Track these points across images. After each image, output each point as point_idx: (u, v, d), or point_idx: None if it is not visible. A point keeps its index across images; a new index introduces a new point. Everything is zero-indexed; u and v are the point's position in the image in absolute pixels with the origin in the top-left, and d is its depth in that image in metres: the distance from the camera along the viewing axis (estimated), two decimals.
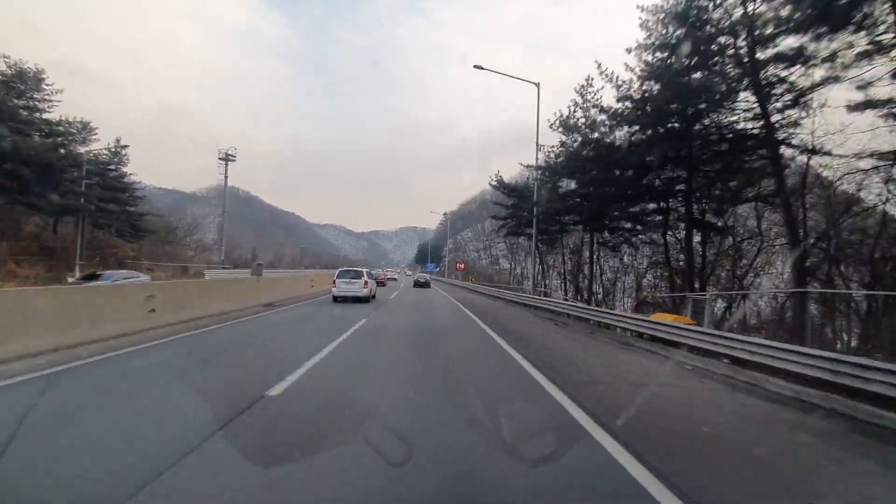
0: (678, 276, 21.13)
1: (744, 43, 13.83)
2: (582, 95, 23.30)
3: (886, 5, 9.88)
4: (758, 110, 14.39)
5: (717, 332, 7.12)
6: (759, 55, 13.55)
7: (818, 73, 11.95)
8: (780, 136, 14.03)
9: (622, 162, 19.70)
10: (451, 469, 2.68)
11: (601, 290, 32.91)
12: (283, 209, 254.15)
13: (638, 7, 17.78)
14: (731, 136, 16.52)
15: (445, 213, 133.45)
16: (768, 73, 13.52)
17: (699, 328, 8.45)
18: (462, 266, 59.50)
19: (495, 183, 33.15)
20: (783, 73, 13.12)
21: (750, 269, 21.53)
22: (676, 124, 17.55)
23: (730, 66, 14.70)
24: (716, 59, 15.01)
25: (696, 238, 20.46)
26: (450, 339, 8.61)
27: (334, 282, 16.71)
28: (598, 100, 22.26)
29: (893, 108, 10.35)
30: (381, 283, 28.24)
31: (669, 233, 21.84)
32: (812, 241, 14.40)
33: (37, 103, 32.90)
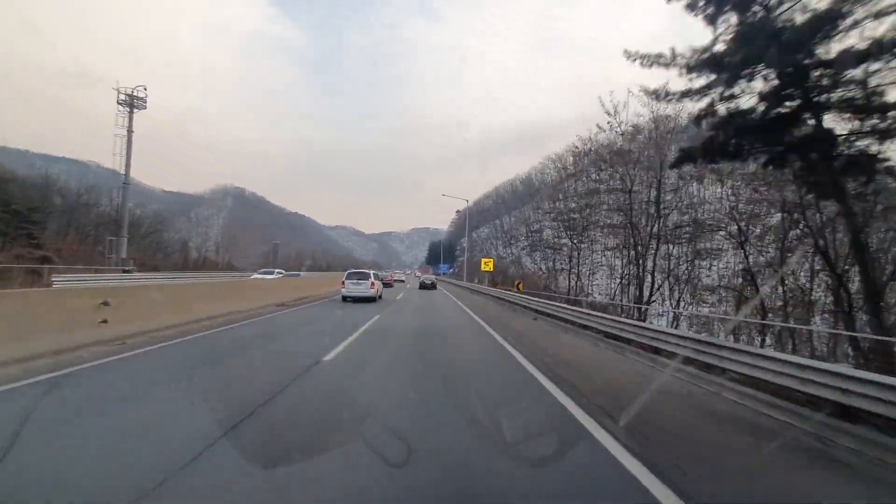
0: None
1: None
2: None
3: None
4: None
5: None
6: None
7: None
8: None
9: None
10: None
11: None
12: (293, 211, 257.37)
13: None
14: None
15: (458, 211, 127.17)
16: None
17: None
18: (490, 265, 38.26)
19: None
20: None
21: None
22: None
23: None
24: None
25: None
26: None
27: (343, 283, 18.29)
28: None
29: None
30: (387, 285, 30.06)
31: None
32: None
33: None
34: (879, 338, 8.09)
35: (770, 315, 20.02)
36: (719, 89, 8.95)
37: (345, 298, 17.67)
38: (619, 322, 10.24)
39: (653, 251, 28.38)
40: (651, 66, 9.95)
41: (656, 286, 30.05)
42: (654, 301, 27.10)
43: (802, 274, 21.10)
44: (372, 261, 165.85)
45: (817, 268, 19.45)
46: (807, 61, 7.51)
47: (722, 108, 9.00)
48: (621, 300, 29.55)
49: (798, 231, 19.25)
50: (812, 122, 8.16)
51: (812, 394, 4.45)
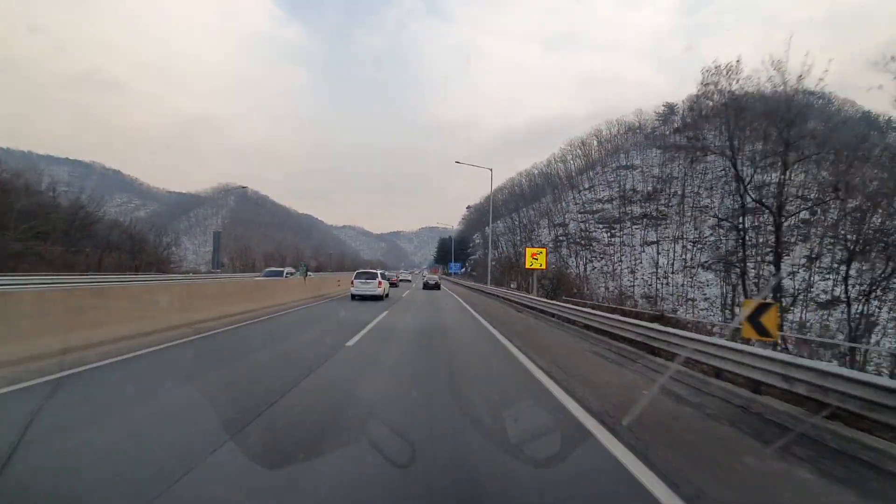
0: None
1: None
2: None
3: None
4: None
5: None
6: None
7: None
8: None
9: None
10: None
11: None
12: (301, 212, 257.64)
13: None
14: None
15: (468, 206, 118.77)
16: None
17: None
18: (542, 260, 23.77)
19: None
20: None
21: None
22: None
23: None
24: None
25: None
26: None
27: (353, 282, 19.78)
28: None
29: None
30: (393, 284, 32.22)
31: None
32: None
33: None
34: None
35: None
36: None
37: (353, 297, 19.20)
38: None
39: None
40: None
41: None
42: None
43: None
44: (375, 260, 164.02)
45: None
46: None
47: None
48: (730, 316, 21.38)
49: None
50: None
51: None
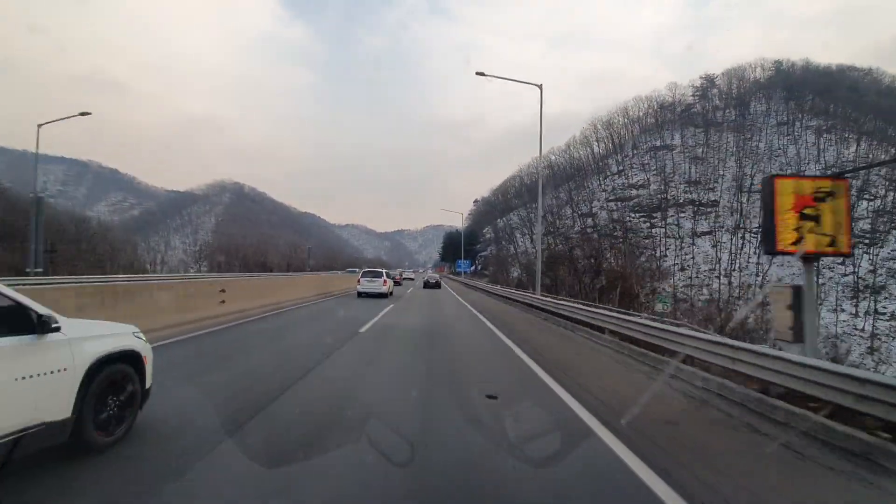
0: None
1: None
2: None
3: None
4: None
5: None
6: None
7: None
8: None
9: None
10: None
11: None
12: (302, 210, 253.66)
13: None
14: None
15: (475, 200, 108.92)
16: None
17: None
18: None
19: None
20: None
21: None
22: None
23: None
24: None
25: None
26: None
27: (359, 280, 20.88)
28: None
29: None
30: (397, 283, 33.27)
31: None
32: None
33: None
34: None
35: None
36: None
37: (360, 294, 20.07)
38: None
39: None
40: None
41: None
42: None
43: None
44: (376, 258, 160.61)
45: None
46: None
47: None
48: None
49: None
50: None
51: None
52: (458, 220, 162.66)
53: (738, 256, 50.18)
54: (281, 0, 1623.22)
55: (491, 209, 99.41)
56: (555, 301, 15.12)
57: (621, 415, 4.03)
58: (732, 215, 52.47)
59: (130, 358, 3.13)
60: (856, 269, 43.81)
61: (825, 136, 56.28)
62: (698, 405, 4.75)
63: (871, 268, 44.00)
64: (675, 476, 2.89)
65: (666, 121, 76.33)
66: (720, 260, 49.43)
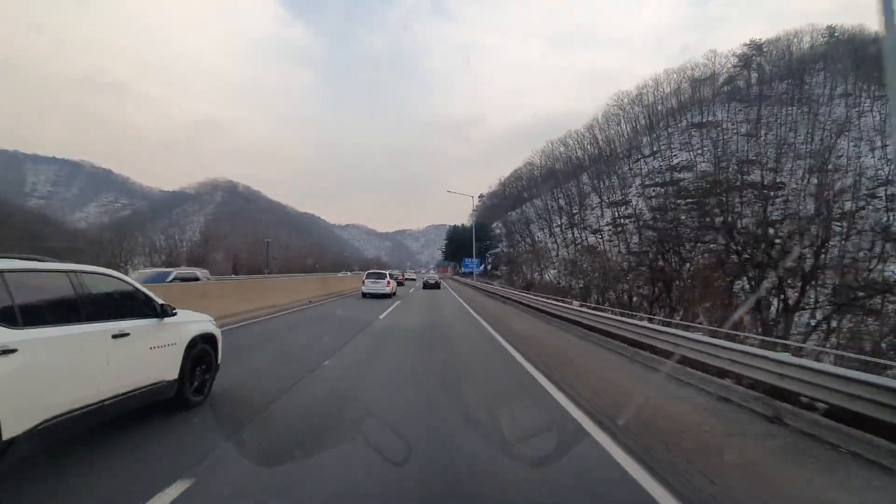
0: None
1: None
2: None
3: None
4: None
5: None
6: None
7: None
8: None
9: None
10: None
11: None
12: (301, 210, 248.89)
13: None
14: None
15: (481, 195, 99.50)
16: None
17: None
18: None
19: None
20: None
21: None
22: None
23: None
24: None
25: None
26: None
27: (363, 281, 22.10)
28: None
29: None
30: (400, 283, 35.55)
31: None
32: None
33: None
34: None
35: None
36: None
37: (364, 295, 21.23)
38: None
39: None
40: None
41: None
42: None
43: None
44: (374, 258, 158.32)
45: None
46: None
47: None
48: None
49: None
50: None
51: None
52: (461, 219, 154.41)
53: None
54: (282, 1, 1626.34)
55: (500, 202, 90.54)
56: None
57: None
58: (804, 199, 42.91)
59: (210, 339, 4.42)
60: None
61: None
62: None
63: None
64: None
65: (704, 96, 66.97)
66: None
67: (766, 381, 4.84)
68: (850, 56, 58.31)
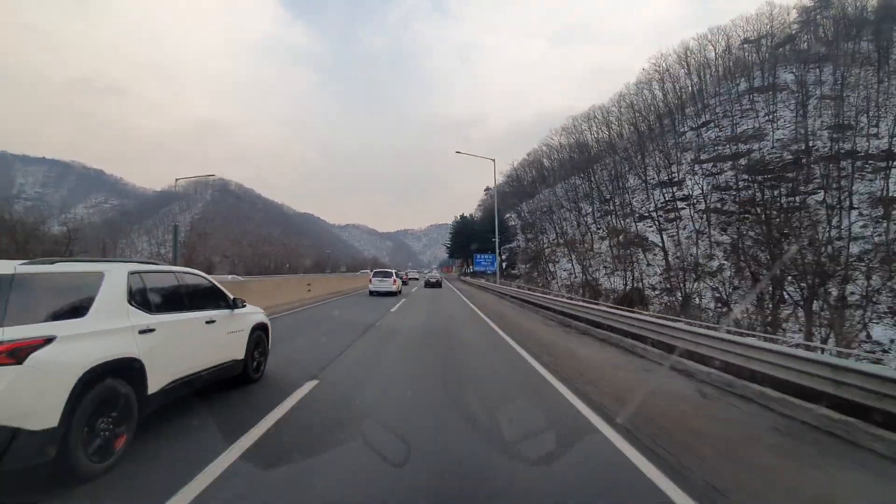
0: None
1: None
2: None
3: None
4: None
5: None
6: None
7: None
8: None
9: None
10: None
11: None
12: (300, 210, 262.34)
13: None
14: None
15: (487, 188, 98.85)
16: None
17: None
18: None
19: None
20: None
21: None
22: None
23: None
24: None
25: None
26: None
27: (371, 280, 24.56)
28: None
29: None
30: (405, 282, 39.09)
31: None
32: None
33: None
34: None
35: None
36: None
37: (372, 293, 23.60)
38: None
39: None
40: None
41: None
42: None
43: None
44: (372, 258, 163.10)
45: None
46: None
47: None
48: None
49: None
50: None
51: None
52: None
53: None
54: (282, 1, 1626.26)
55: (514, 191, 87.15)
56: None
57: None
58: None
59: (264, 328, 5.59)
60: None
61: None
62: None
63: None
64: None
65: (762, 57, 63.94)
66: None
67: None
68: None
